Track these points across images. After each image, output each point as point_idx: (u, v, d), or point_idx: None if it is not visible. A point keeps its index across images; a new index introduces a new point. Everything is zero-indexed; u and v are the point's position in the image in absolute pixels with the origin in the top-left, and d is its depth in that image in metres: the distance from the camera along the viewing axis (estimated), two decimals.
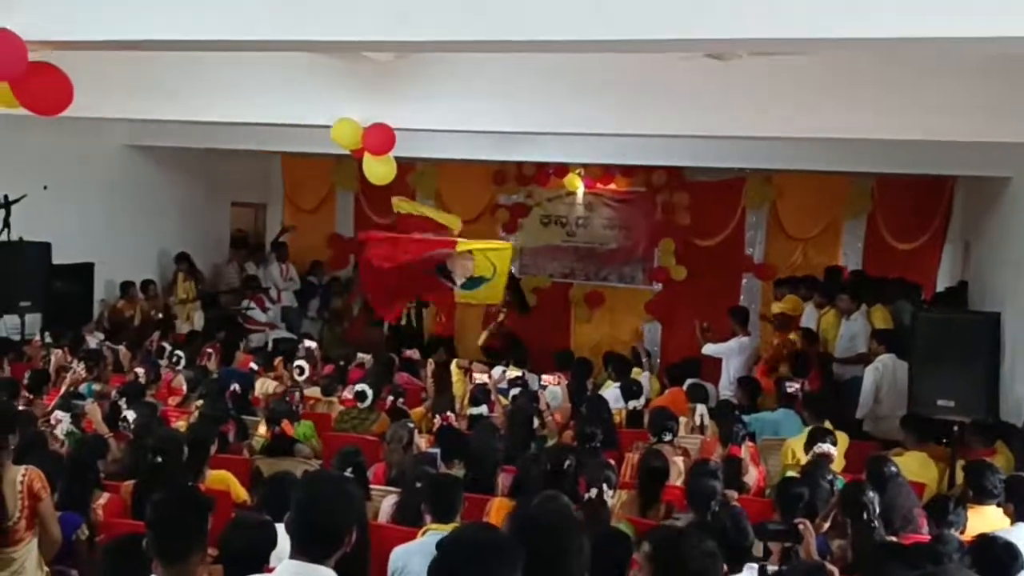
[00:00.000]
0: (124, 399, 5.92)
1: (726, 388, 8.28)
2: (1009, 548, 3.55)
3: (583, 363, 8.36)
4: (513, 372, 7.47)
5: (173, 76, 6.54)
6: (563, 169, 11.57)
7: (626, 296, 11.93)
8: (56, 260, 8.62)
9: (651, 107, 5.95)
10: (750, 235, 11.28)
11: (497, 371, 7.82)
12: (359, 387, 6.43)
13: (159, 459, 4.46)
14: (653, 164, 10.34)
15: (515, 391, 6.85)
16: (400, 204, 9.94)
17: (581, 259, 12.09)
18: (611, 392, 7.44)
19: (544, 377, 7.10)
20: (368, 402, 6.35)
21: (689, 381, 7.57)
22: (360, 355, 8.41)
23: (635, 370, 8.23)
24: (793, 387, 6.87)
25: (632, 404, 6.81)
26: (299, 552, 2.44)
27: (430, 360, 7.89)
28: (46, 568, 4.01)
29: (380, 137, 6.17)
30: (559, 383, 6.96)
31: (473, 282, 7.83)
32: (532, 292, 12.01)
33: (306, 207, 12.87)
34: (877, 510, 4.07)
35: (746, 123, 5.83)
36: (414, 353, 8.63)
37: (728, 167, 10.11)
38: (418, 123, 6.36)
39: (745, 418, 6.28)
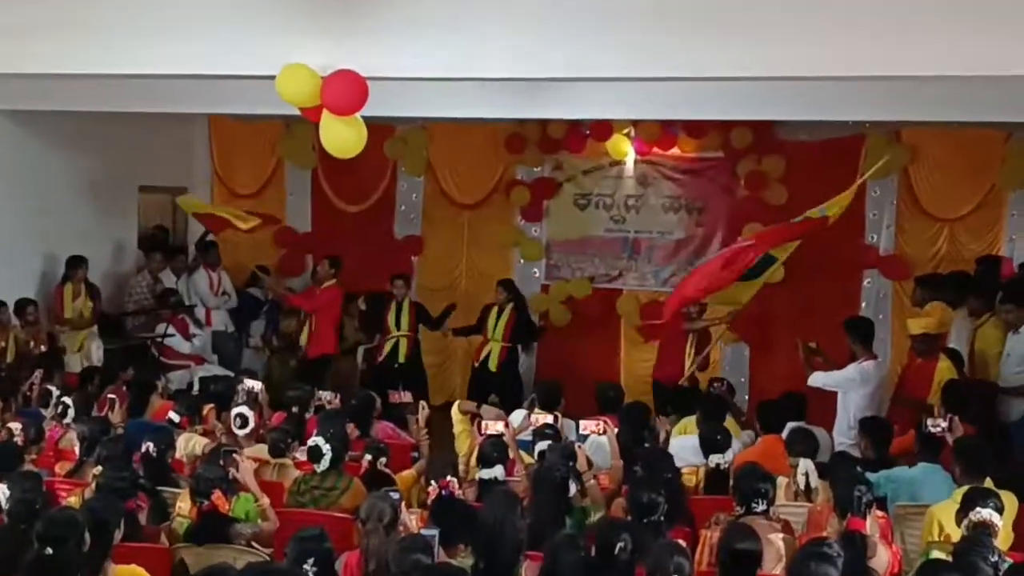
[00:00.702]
0: None
1: (843, 434, 8.25)
2: None
3: (637, 406, 8.35)
4: (540, 417, 7.48)
5: (54, 12, 6.60)
6: (605, 129, 11.61)
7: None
8: None
9: (728, 38, 5.92)
10: (873, 216, 11.27)
11: (517, 416, 7.82)
12: (313, 441, 6.43)
13: (47, 551, 4.49)
14: (733, 119, 10.32)
15: (543, 444, 6.84)
16: (185, 203, 11.42)
17: (634, 255, 12.12)
18: (685, 442, 7.46)
19: (584, 424, 7.09)
20: (325, 463, 6.36)
21: (790, 426, 7.54)
22: (321, 393, 8.45)
23: None
24: (938, 427, 6.83)
25: (715, 460, 6.81)
26: None
27: (422, 403, 7.91)
28: None
29: (345, 89, 6.18)
30: (604, 431, 6.95)
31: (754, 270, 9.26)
32: (564, 304, 12.05)
33: (244, 191, 12.96)
34: None
35: (864, 58, 5.79)
36: (404, 395, 8.65)
37: (840, 120, 10.09)
38: (398, 70, 6.38)
39: (871, 476, 6.24)
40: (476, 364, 11.42)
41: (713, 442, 6.91)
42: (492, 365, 11.26)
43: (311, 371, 10.95)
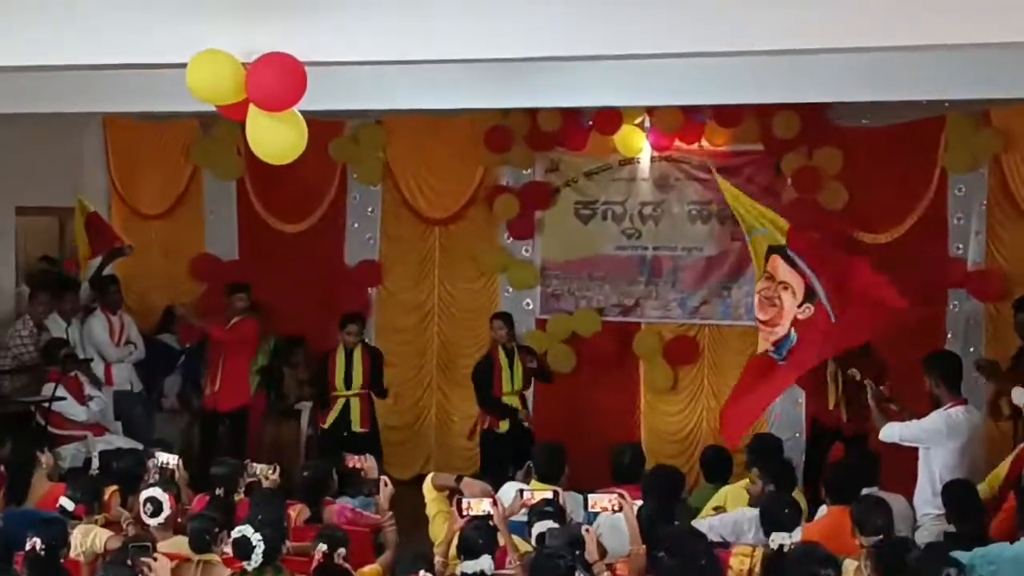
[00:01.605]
0: None
1: (928, 502, 8.23)
2: None
3: (664, 472, 8.33)
4: (538, 491, 7.46)
5: None
6: (612, 118, 11.65)
7: (737, 342, 11.96)
8: None
9: (767, 1, 5.95)
10: (958, 221, 11.31)
11: (508, 492, 7.80)
12: (239, 531, 6.34)
13: None
14: (776, 102, 10.33)
15: (542, 527, 6.83)
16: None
17: (653, 278, 12.16)
18: (738, 518, 7.48)
19: (593, 499, 7.07)
20: (257, 557, 6.31)
21: (864, 492, 7.55)
22: (254, 466, 8.41)
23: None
24: None
25: (779, 540, 6.75)
26: None
27: (384, 479, 7.89)
28: None
29: (277, 77, 6.14)
30: (620, 508, 6.94)
31: None
32: (566, 344, 12.08)
33: (151, 210, 12.98)
34: None
35: (941, 24, 5.82)
36: (365, 460, 8.62)
37: (912, 100, 10.10)
38: (343, 52, 6.37)
39: (962, 557, 6.24)
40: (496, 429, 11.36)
41: (778, 516, 6.88)
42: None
43: (232, 432, 11.03)
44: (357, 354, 11.30)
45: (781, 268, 9.47)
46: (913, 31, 5.96)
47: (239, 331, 11.44)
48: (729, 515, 7.86)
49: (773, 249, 9.56)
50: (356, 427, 11.30)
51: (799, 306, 9.31)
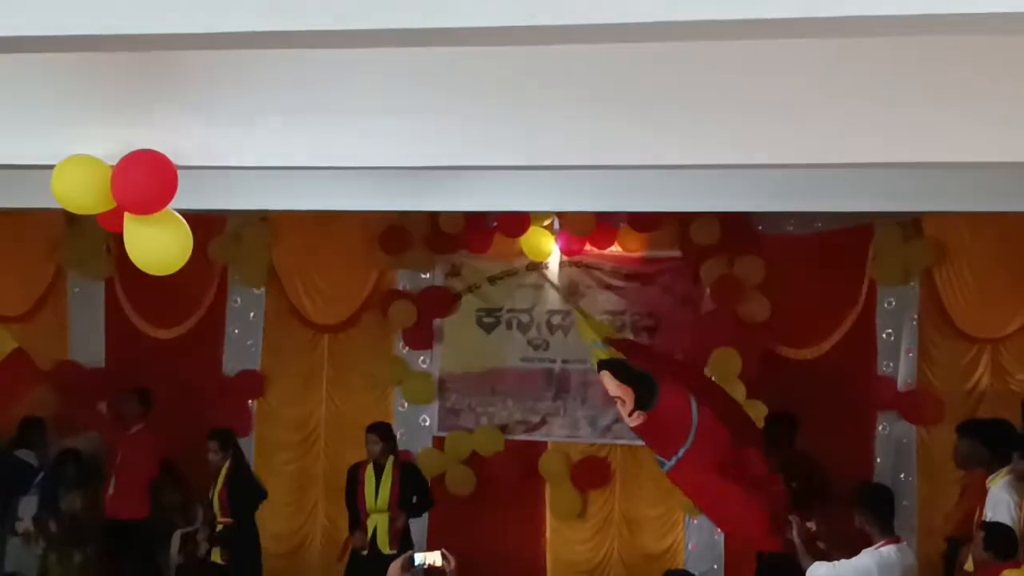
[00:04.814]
0: None
1: None
2: None
3: None
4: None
5: None
6: (519, 220, 11.67)
7: (652, 464, 11.83)
8: None
9: (689, 113, 5.98)
10: (888, 337, 11.43)
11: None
12: None
13: None
14: (695, 211, 10.41)
15: None
16: None
17: (561, 394, 12.13)
18: None
19: None
20: None
21: None
22: None
23: None
24: None
25: None
26: None
27: None
28: None
29: (143, 175, 6.09)
30: None
31: None
32: (465, 465, 12.01)
33: (7, 312, 12.69)
34: None
35: (869, 143, 5.90)
36: None
37: (840, 212, 10.21)
38: (222, 156, 6.35)
39: None
40: (363, 549, 10.98)
41: None
42: (384, 545, 10.92)
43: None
44: (221, 477, 11.14)
45: (608, 382, 9.39)
46: (836, 150, 6.05)
47: (135, 446, 11.45)
48: None
49: (602, 364, 9.55)
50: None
51: (629, 415, 9.22)
